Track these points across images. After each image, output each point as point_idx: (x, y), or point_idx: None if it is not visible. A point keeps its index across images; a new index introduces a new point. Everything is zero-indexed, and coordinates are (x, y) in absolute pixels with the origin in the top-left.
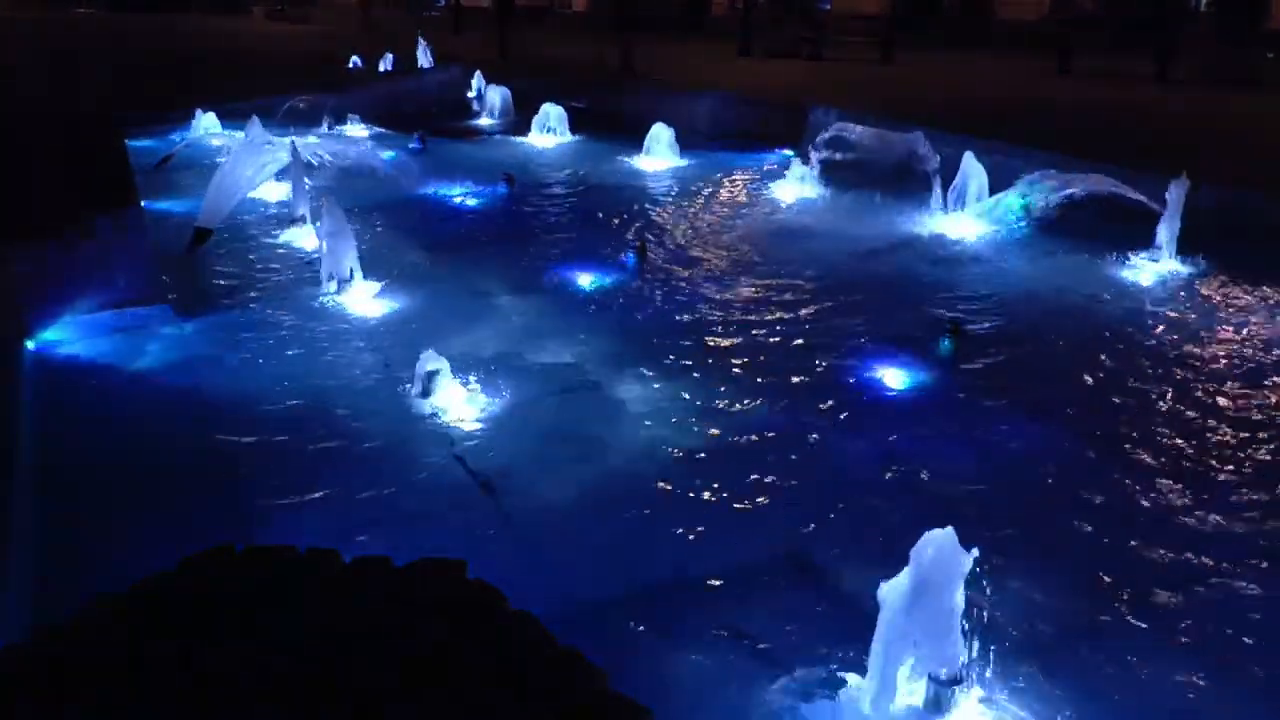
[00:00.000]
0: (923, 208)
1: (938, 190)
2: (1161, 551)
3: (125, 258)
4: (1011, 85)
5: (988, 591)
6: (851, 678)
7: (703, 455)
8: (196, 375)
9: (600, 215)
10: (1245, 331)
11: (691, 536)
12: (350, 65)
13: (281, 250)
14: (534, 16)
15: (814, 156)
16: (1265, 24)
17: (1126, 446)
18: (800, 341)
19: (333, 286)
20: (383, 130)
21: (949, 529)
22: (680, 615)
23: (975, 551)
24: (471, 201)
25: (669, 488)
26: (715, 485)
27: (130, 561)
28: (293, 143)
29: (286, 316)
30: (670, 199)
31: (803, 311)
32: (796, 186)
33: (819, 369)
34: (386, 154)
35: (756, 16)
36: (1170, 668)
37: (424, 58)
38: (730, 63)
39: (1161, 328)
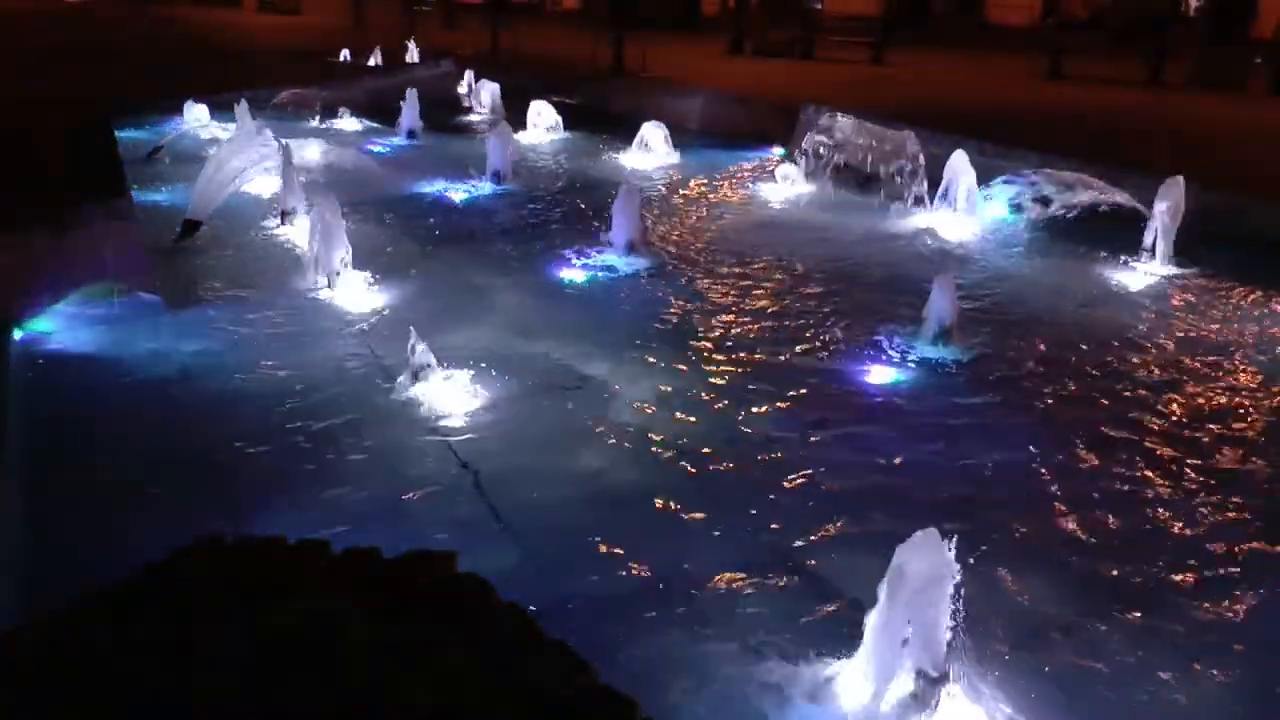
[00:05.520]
0: (911, 206)
1: (926, 189)
2: (1150, 551)
3: (115, 247)
4: (1002, 87)
5: (976, 590)
6: (839, 674)
7: (692, 449)
8: (185, 366)
9: (590, 211)
10: (1234, 333)
11: (680, 530)
12: (340, 58)
13: (272, 243)
14: (526, 12)
15: (803, 154)
16: (1252, 29)
17: (1115, 445)
18: (789, 336)
19: (323, 279)
20: (373, 124)
21: (933, 531)
22: (668, 609)
23: (954, 547)
24: (462, 196)
25: (659, 481)
26: (705, 479)
27: (119, 552)
28: (285, 144)
29: (276, 309)
30: (661, 195)
31: (792, 308)
32: (786, 184)
33: (807, 365)
34: (374, 149)
35: (749, 15)
36: (1160, 666)
37: (413, 53)
38: (722, 61)
39: (1147, 328)
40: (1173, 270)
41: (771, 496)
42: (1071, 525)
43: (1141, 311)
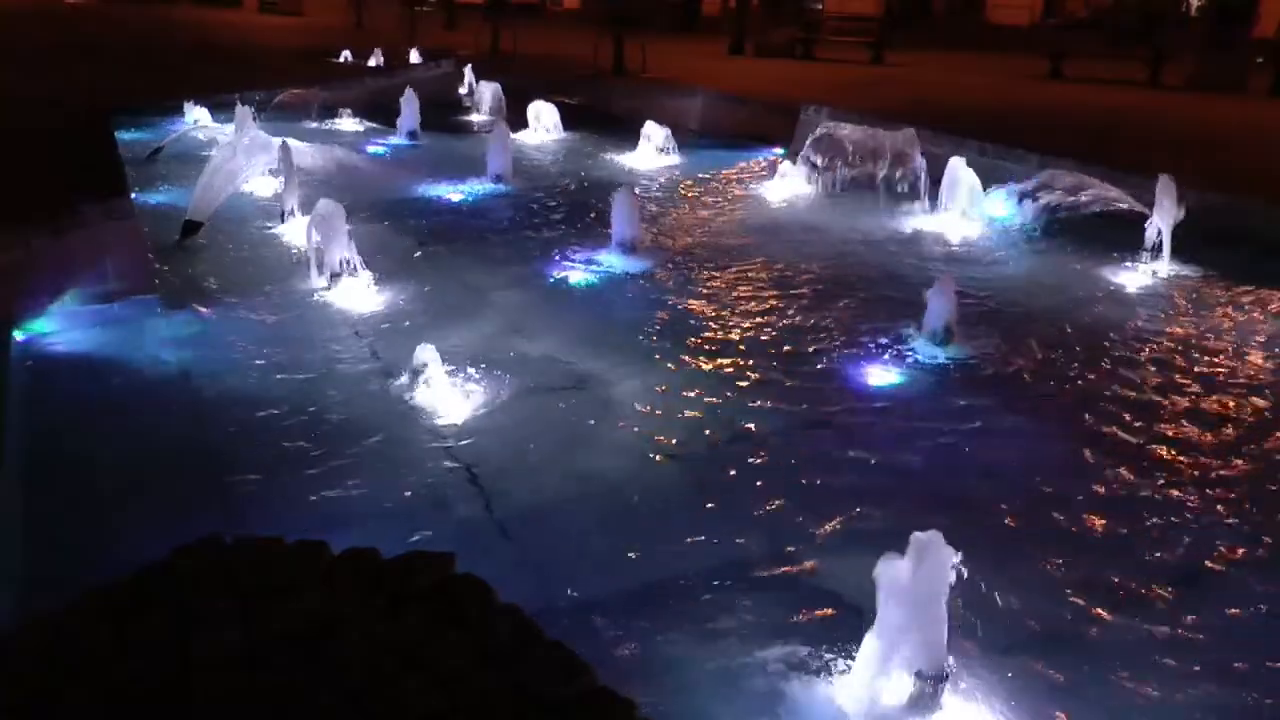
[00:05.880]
0: (912, 207)
1: (927, 189)
2: (1151, 551)
3: (115, 248)
4: (1002, 87)
5: (977, 588)
6: (839, 673)
7: (691, 449)
8: (186, 367)
9: (591, 211)
10: (1233, 333)
11: (680, 530)
12: (341, 59)
13: (273, 244)
14: (527, 12)
15: (804, 155)
16: (1252, 30)
17: (1116, 445)
18: (789, 338)
19: (323, 280)
20: (373, 124)
21: (935, 532)
22: (667, 609)
23: (958, 555)
24: (463, 196)
25: (658, 482)
26: (704, 479)
27: (121, 552)
28: (285, 144)
29: (278, 310)
30: (661, 196)
31: (792, 308)
32: (786, 184)
33: (807, 365)
34: (375, 149)
35: (749, 15)
36: (1159, 666)
37: (414, 53)
38: (723, 62)
39: (1148, 328)
40: (1173, 270)
41: (771, 496)
42: (1072, 524)
43: (1142, 312)
